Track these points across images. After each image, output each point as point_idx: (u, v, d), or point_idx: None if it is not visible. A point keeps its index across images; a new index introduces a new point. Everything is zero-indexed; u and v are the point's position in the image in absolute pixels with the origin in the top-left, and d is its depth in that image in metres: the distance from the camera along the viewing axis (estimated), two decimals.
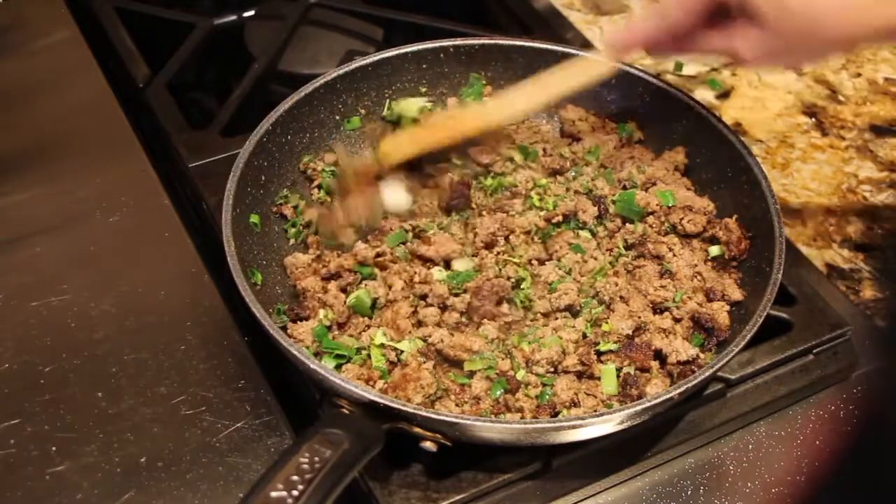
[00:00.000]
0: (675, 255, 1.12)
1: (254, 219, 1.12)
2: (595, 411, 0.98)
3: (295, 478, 0.82)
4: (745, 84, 1.49)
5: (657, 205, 1.16)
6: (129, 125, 1.32)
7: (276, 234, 1.15)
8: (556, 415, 0.99)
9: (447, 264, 1.11)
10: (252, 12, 1.55)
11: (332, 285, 1.09)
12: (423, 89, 1.29)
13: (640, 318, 1.06)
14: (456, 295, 1.07)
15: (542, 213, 1.16)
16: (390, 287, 1.08)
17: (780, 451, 1.05)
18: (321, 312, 1.06)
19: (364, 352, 1.03)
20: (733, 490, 1.01)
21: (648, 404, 0.92)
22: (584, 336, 1.05)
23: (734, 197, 1.15)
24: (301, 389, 1.06)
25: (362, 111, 1.26)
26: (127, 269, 1.15)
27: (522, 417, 0.98)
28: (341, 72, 1.22)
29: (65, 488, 0.96)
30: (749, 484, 1.02)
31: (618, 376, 1.01)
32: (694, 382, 0.94)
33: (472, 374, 1.02)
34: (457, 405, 1.00)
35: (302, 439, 0.86)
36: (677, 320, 1.07)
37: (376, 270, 1.10)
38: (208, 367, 1.05)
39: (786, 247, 1.05)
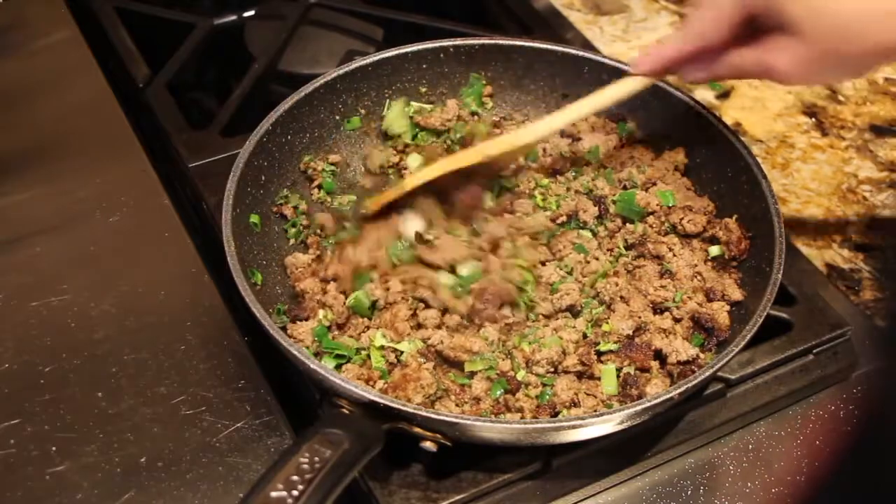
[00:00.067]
0: (675, 255, 1.12)
1: (254, 219, 1.12)
2: (595, 411, 0.98)
3: (295, 478, 0.82)
4: (744, 84, 1.49)
5: (657, 205, 1.16)
6: (129, 125, 1.32)
7: (276, 234, 1.15)
8: (556, 415, 0.99)
9: (452, 268, 1.11)
10: (252, 12, 1.55)
11: (332, 286, 1.09)
12: (423, 89, 1.29)
13: (640, 318, 1.06)
14: (458, 298, 1.07)
15: (548, 214, 1.16)
16: (388, 289, 1.08)
17: (780, 451, 1.05)
18: (320, 313, 1.06)
19: (364, 352, 1.03)
20: (733, 490, 1.01)
21: (648, 404, 0.92)
22: (585, 336, 1.05)
23: (734, 197, 1.15)
24: (301, 389, 1.06)
25: (362, 111, 1.26)
26: (127, 269, 1.15)
27: (522, 417, 0.98)
28: (341, 72, 1.22)
29: (65, 488, 0.96)
30: (749, 484, 1.02)
31: (618, 376, 1.01)
32: (694, 382, 0.94)
33: (472, 374, 1.02)
34: (457, 405, 1.00)
35: (302, 439, 0.86)
36: (677, 320, 1.07)
37: (374, 275, 1.10)
38: (208, 367, 1.05)
39: (786, 247, 1.04)
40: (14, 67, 1.41)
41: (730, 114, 1.43)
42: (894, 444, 0.61)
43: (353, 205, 1.20)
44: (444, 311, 1.07)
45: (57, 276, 1.14)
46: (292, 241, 1.16)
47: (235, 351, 1.07)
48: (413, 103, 1.28)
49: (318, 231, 1.17)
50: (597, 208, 1.17)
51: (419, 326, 1.06)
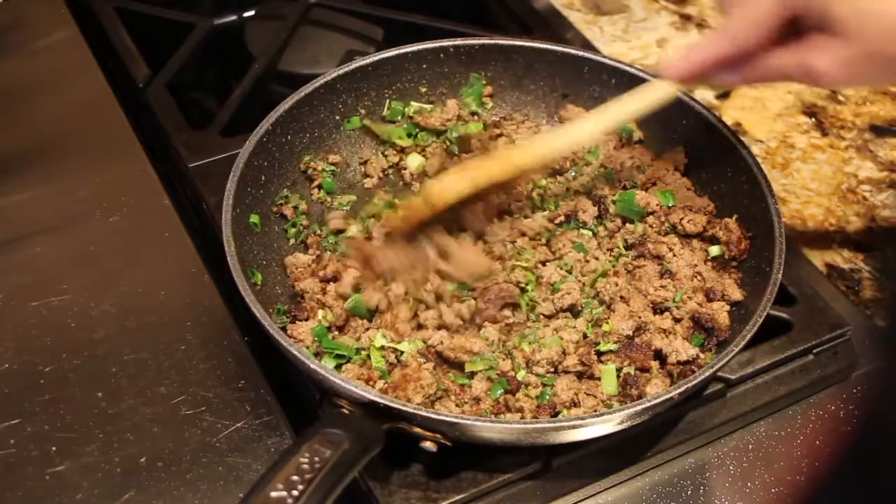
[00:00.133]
0: (675, 255, 1.12)
1: (254, 219, 1.12)
2: (595, 411, 0.98)
3: (295, 478, 0.82)
4: None
5: (657, 205, 1.16)
6: (129, 125, 1.32)
7: (276, 234, 1.15)
8: (556, 415, 0.99)
9: None
10: (252, 12, 1.54)
11: (332, 287, 1.09)
12: (423, 89, 1.29)
13: (640, 318, 1.06)
14: (462, 301, 1.07)
15: (546, 214, 1.16)
16: (389, 292, 1.07)
17: (780, 451, 1.05)
18: (320, 314, 1.06)
19: (364, 352, 1.03)
20: (733, 490, 1.01)
21: (648, 404, 0.92)
22: (585, 336, 1.05)
23: (734, 197, 1.15)
24: (301, 389, 1.06)
25: (362, 111, 1.26)
26: (127, 269, 1.15)
27: (522, 417, 0.98)
28: (341, 72, 1.22)
29: (65, 488, 0.96)
30: (749, 484, 1.02)
31: (618, 376, 1.01)
32: (694, 382, 0.94)
33: (472, 374, 1.02)
34: (457, 405, 1.00)
35: (302, 439, 0.86)
36: (677, 320, 1.07)
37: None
38: (208, 367, 1.05)
39: (786, 247, 1.04)
40: (14, 67, 1.41)
41: (730, 114, 1.43)
42: (894, 444, 0.61)
43: (354, 204, 1.20)
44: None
45: (57, 276, 1.14)
46: (292, 241, 1.16)
47: (235, 351, 1.07)
48: (413, 103, 1.28)
49: (323, 231, 1.16)
50: (597, 208, 1.17)
51: (420, 327, 1.06)
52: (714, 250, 1.13)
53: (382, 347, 1.03)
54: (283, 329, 1.04)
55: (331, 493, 0.83)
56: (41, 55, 1.43)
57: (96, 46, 1.44)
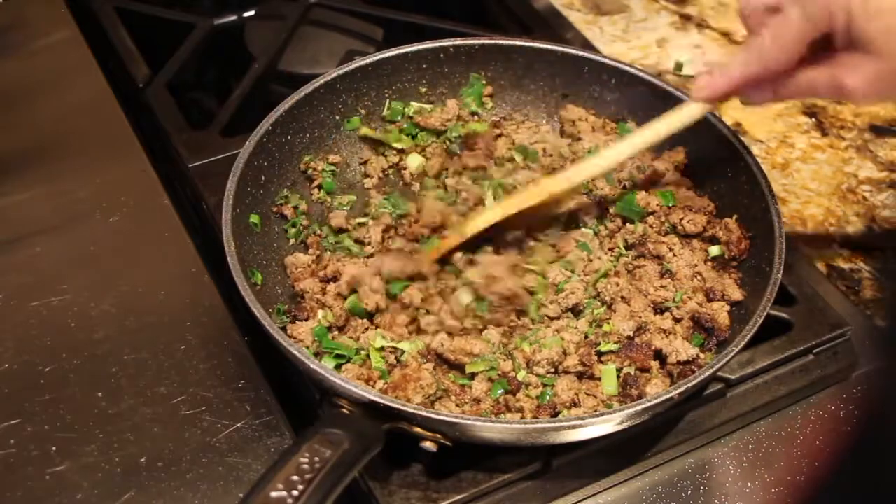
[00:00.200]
0: (675, 255, 1.12)
1: (254, 219, 1.12)
2: (595, 411, 0.98)
3: (295, 478, 0.82)
4: None
5: (657, 205, 1.16)
6: (129, 125, 1.32)
7: (276, 234, 1.15)
8: (556, 415, 0.99)
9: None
10: (252, 12, 1.54)
11: (331, 287, 1.09)
12: (423, 89, 1.29)
13: (640, 318, 1.06)
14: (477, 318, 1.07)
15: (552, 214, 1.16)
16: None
17: (780, 451, 1.05)
18: (320, 314, 1.06)
19: (364, 352, 1.03)
20: (733, 490, 1.01)
21: (648, 404, 0.92)
22: (586, 337, 1.05)
23: (734, 197, 1.15)
24: (301, 389, 1.06)
25: (362, 111, 1.26)
26: (127, 269, 1.15)
27: (522, 417, 0.98)
28: (341, 72, 1.22)
29: (65, 488, 0.96)
30: (749, 484, 1.02)
31: (618, 376, 1.01)
32: (694, 382, 0.94)
33: (472, 375, 1.02)
34: (457, 405, 1.00)
35: (302, 439, 0.86)
36: (677, 320, 1.07)
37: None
38: (208, 367, 1.05)
39: (786, 247, 1.05)
40: (14, 67, 1.41)
41: (730, 114, 1.43)
42: (894, 444, 0.61)
43: (354, 204, 1.20)
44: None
45: (57, 276, 1.14)
46: (292, 241, 1.16)
47: (235, 351, 1.07)
48: (413, 103, 1.28)
49: (323, 231, 1.16)
50: (597, 208, 1.17)
51: (419, 332, 1.06)
52: (714, 250, 1.13)
53: (382, 348, 1.03)
54: (283, 329, 1.04)
55: (331, 493, 0.83)
56: (41, 55, 1.43)
57: (96, 46, 1.44)
